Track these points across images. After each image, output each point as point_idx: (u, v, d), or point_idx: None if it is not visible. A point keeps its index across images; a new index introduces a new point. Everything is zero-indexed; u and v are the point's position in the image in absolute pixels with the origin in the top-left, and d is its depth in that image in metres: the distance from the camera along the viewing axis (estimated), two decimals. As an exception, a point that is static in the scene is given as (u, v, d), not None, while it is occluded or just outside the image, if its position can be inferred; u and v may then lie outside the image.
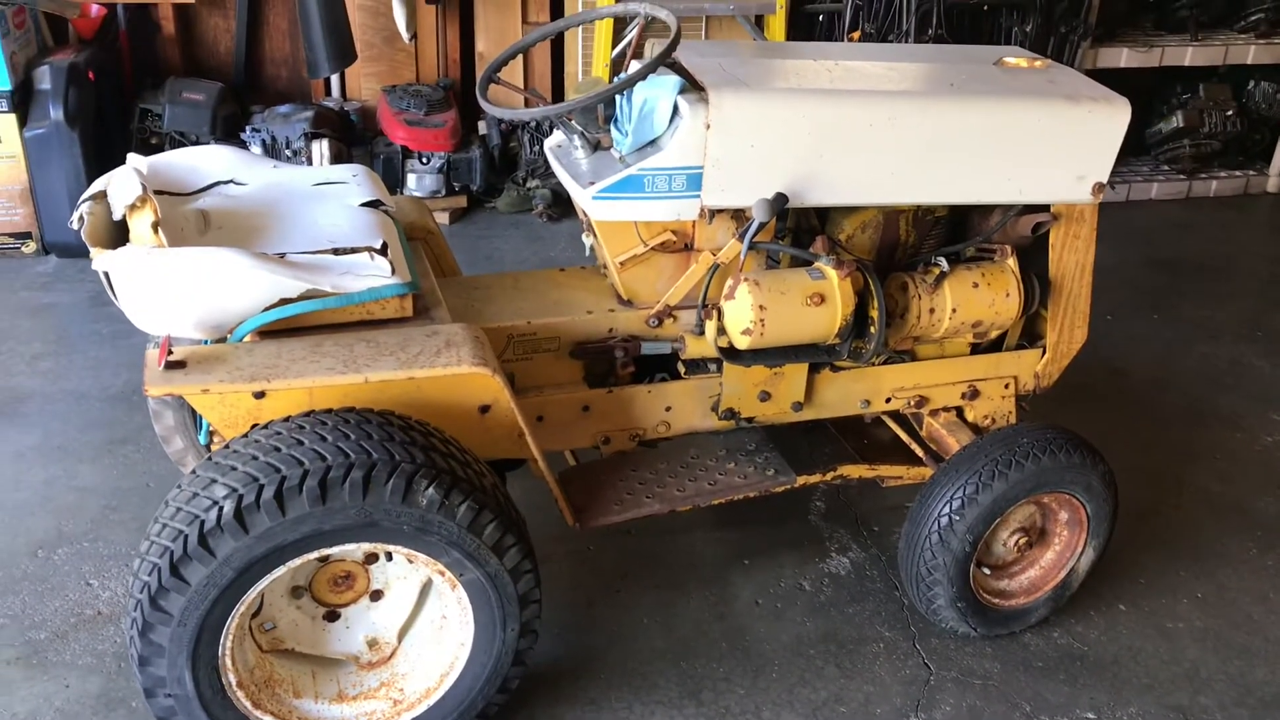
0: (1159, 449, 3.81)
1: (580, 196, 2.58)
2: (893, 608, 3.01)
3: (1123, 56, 5.95)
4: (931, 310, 2.72)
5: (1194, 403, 4.13)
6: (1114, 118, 2.67)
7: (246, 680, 2.25)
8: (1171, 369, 4.37)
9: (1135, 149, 6.52)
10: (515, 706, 2.57)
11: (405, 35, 5.42)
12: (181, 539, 2.02)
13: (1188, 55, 6.07)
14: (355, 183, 2.73)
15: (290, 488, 2.03)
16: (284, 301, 2.27)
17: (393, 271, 2.36)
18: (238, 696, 2.23)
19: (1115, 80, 2.85)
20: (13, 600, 2.86)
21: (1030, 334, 3.04)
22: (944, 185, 2.66)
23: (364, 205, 2.61)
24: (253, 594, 2.12)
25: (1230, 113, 6.37)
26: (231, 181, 2.66)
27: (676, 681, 2.74)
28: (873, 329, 2.63)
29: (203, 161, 2.71)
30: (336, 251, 2.37)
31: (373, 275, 2.34)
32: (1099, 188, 2.73)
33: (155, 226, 2.25)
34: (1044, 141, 2.64)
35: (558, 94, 5.79)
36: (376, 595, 2.42)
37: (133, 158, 2.55)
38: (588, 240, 2.93)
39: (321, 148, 5.08)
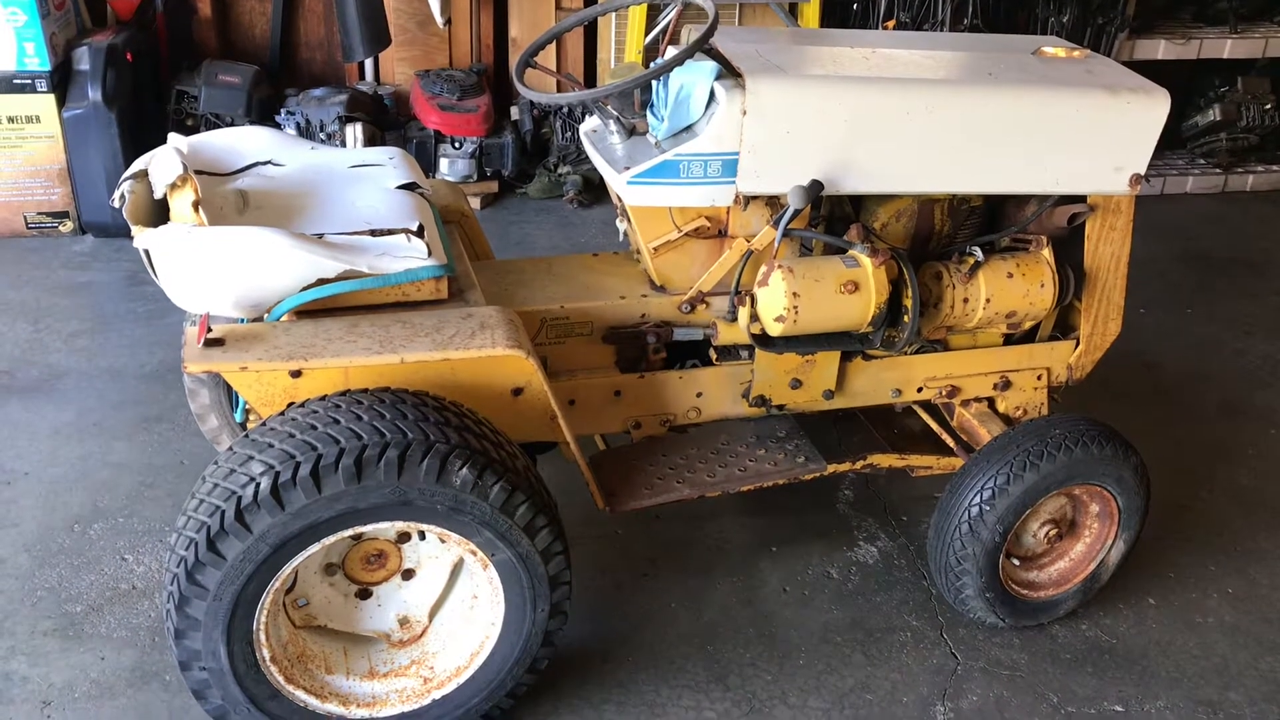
0: (1191, 443, 3.79)
1: (615, 181, 2.58)
2: (920, 597, 3.01)
3: (1160, 48, 5.89)
4: (965, 300, 2.71)
5: (1227, 398, 4.10)
6: (1153, 109, 2.65)
7: (280, 655, 2.28)
8: (1205, 364, 4.34)
9: (1171, 142, 6.45)
10: (543, 687, 2.59)
11: (440, 20, 5.44)
12: (219, 514, 2.05)
13: (1226, 48, 6.00)
14: (392, 165, 2.75)
15: (326, 466, 2.05)
16: (321, 282, 2.29)
17: (429, 253, 2.37)
18: (271, 671, 2.25)
19: (1152, 72, 2.83)
20: (50, 573, 2.91)
21: (1064, 326, 3.03)
22: (980, 174, 2.65)
23: (400, 187, 2.63)
24: (287, 570, 2.15)
25: (1269, 106, 6.30)
26: (270, 162, 2.69)
27: (704, 666, 2.75)
28: (906, 318, 2.62)
29: (242, 142, 2.73)
30: (374, 233, 2.39)
31: (409, 257, 2.35)
32: (1136, 179, 2.71)
33: (195, 205, 2.27)
34: (1082, 132, 2.63)
35: (590, 80, 5.79)
36: (408, 574, 2.45)
37: (173, 137, 2.58)
38: (621, 225, 2.94)
39: (355, 131, 5.11)
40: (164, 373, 3.81)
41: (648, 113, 2.66)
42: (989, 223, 2.89)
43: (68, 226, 4.85)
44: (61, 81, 4.65)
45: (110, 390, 3.72)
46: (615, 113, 2.65)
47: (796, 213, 2.51)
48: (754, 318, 2.61)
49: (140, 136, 4.75)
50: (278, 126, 5.16)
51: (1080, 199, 2.79)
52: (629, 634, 2.84)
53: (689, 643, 2.82)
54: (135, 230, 2.28)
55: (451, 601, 2.47)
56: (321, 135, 5.13)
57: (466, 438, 2.18)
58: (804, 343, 2.65)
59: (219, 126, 4.96)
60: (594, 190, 5.50)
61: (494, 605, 2.36)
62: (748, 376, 2.79)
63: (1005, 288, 2.72)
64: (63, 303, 4.29)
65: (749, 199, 2.57)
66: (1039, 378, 3.01)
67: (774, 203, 2.61)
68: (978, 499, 2.66)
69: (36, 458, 3.36)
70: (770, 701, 2.66)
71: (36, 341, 3.99)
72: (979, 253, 2.72)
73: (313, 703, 2.32)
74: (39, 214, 4.81)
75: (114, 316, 4.20)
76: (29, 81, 4.57)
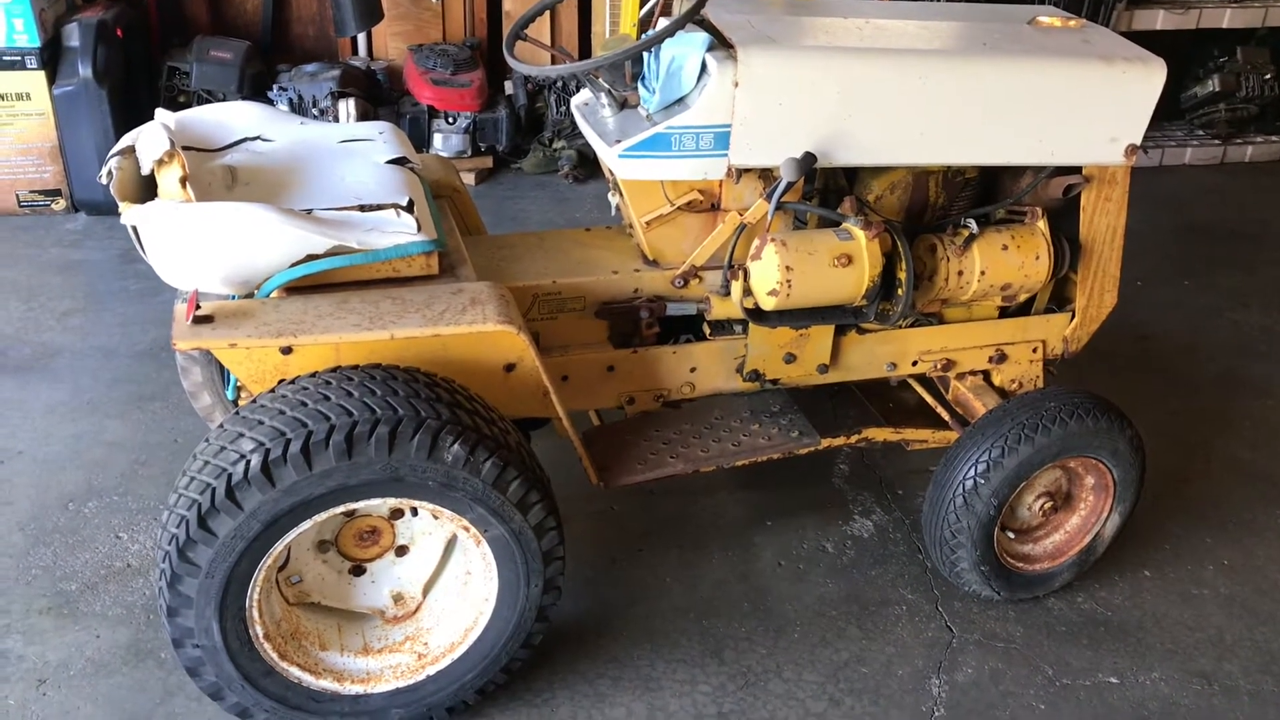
0: (1187, 416, 3.78)
1: (606, 155, 2.56)
2: (915, 570, 3.01)
3: (1159, 18, 5.84)
4: (960, 272, 2.70)
5: (1224, 370, 4.09)
6: (1149, 78, 2.63)
7: (273, 632, 2.27)
8: (1202, 336, 4.33)
9: (1170, 113, 6.42)
10: (538, 662, 2.59)
11: (432, -6, 5.40)
12: (209, 492, 2.04)
13: (1226, 17, 5.95)
14: (382, 140, 2.73)
15: (317, 442, 2.04)
16: (311, 257, 2.27)
17: (419, 228, 2.36)
18: (264, 648, 2.25)
19: (1150, 42, 2.80)
20: (44, 552, 2.90)
21: (1059, 298, 3.01)
22: (975, 146, 2.63)
23: (390, 162, 2.60)
24: (279, 547, 2.14)
25: (1268, 76, 6.25)
26: (259, 138, 2.67)
27: (699, 640, 2.75)
28: (900, 291, 2.61)
29: (230, 117, 2.71)
30: (363, 208, 2.37)
31: (399, 232, 2.34)
32: (1132, 150, 2.69)
33: (183, 181, 2.26)
34: (1077, 102, 2.60)
35: (585, 53, 5.75)
36: (402, 550, 2.44)
37: (161, 113, 2.57)
38: (614, 199, 2.92)
39: (348, 107, 5.08)
40: (157, 351, 3.80)
41: (639, 85, 2.64)
42: (984, 194, 2.87)
43: (60, 204, 4.82)
44: (51, 58, 4.61)
45: (104, 368, 3.71)
46: (606, 85, 2.63)
47: (789, 185, 2.49)
48: (747, 292, 2.59)
49: (132, 113, 4.71)
50: (270, 102, 5.13)
51: (1076, 170, 2.77)
52: (623, 609, 2.84)
53: (684, 617, 2.82)
54: (123, 207, 2.26)
55: (445, 578, 2.47)
56: (314, 111, 5.10)
57: (458, 414, 2.17)
58: (798, 317, 2.64)
59: (211, 103, 4.92)
60: (589, 165, 5.47)
61: (487, 581, 2.36)
62: (741, 351, 2.78)
63: (1000, 260, 2.70)
64: (55, 281, 4.27)
65: (741, 172, 2.55)
66: (1034, 350, 3.00)
67: (767, 175, 2.59)
68: (972, 472, 2.66)
69: (30, 436, 3.35)
70: (765, 675, 2.66)
71: (29, 320, 3.98)
72: (974, 225, 2.70)
73: (307, 679, 2.32)
74: (31, 192, 4.78)
75: (107, 294, 4.19)
76: (18, 58, 4.53)
